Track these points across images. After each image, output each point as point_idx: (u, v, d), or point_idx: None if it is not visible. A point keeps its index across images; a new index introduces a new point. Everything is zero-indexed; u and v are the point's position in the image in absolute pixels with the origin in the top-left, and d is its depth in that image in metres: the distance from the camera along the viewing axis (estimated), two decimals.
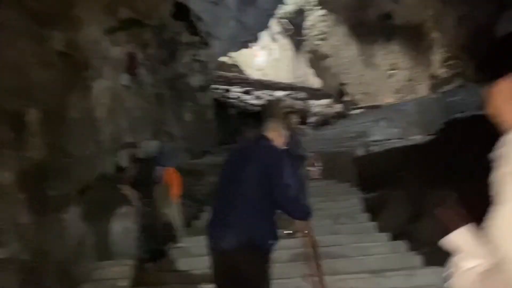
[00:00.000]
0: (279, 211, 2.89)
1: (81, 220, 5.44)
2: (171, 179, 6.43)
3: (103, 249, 5.62)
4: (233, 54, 20.60)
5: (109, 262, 5.17)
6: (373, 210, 6.49)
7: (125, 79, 7.62)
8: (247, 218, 2.74)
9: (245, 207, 2.75)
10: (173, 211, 6.50)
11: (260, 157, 2.87)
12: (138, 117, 7.95)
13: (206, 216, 7.73)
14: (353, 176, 8.21)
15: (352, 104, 17.37)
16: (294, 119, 6.35)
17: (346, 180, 7.92)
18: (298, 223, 3.36)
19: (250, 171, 2.80)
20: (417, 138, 10.94)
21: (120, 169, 6.64)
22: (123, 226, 6.26)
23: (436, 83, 18.83)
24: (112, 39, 5.91)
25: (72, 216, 5.25)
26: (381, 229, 5.72)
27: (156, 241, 6.90)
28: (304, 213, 3.02)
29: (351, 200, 6.63)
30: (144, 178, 7.37)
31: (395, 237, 5.47)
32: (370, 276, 4.39)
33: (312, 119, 16.09)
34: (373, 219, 6.14)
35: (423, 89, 19.34)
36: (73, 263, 5.11)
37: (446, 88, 17.99)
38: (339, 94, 16.75)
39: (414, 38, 19.30)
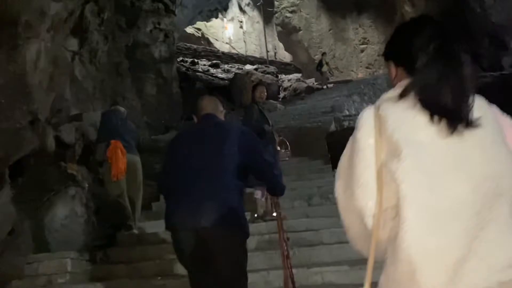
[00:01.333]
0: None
1: (12, 204, 4.60)
2: (112, 155, 5.32)
3: (40, 239, 4.80)
4: (200, 26, 19.55)
5: (47, 254, 4.34)
6: None
7: (72, 43, 6.66)
8: (226, 194, 2.49)
9: (222, 182, 2.50)
10: (120, 190, 5.50)
11: (229, 134, 2.66)
12: (88, 88, 7.03)
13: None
14: (325, 153, 7.57)
15: (330, 75, 16.71)
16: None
17: (318, 157, 7.27)
18: (268, 204, 3.16)
19: (221, 149, 2.58)
20: None
21: (64, 145, 5.76)
22: (68, 211, 5.44)
23: None
24: None
25: (0, 200, 4.40)
26: None
27: (108, 226, 6.14)
28: (283, 189, 2.87)
29: (325, 179, 5.98)
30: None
31: None
32: (350, 268, 3.75)
33: (282, 94, 15.37)
34: None
35: None
36: (1, 256, 4.29)
37: None
38: (318, 64, 16.04)
39: (385, 12, 18.78)
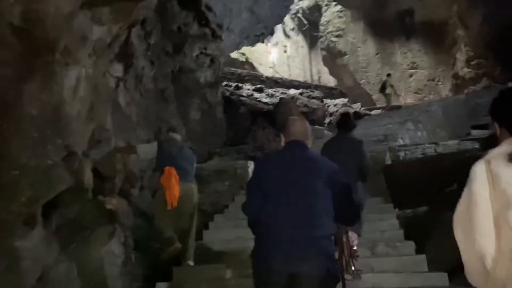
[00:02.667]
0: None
1: (43, 246, 4.07)
2: (165, 182, 4.94)
3: (72, 285, 4.23)
4: (244, 50, 19.20)
5: None
6: (416, 235, 5.03)
7: (116, 69, 6.22)
8: (325, 241, 2.45)
9: (321, 227, 2.43)
10: (170, 222, 5.05)
11: (321, 169, 2.55)
12: (131, 115, 6.55)
13: (213, 228, 6.50)
14: (383, 189, 6.76)
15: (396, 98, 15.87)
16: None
17: (376, 193, 6.45)
18: None
19: (311, 184, 2.48)
20: (450, 143, 9.50)
21: (103, 178, 5.24)
22: (104, 251, 4.88)
23: (460, 83, 17.32)
24: (94, 16, 4.51)
25: (30, 243, 3.88)
26: (433, 264, 4.28)
27: (147, 266, 5.55)
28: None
29: (388, 221, 5.19)
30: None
31: (451, 276, 4.04)
32: None
33: (328, 119, 14.62)
34: (418, 249, 4.69)
35: (445, 89, 17.81)
36: None
37: (471, 89, 16.48)
38: (382, 86, 15.29)
39: (435, 36, 17.79)
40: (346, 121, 4.91)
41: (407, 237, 5.09)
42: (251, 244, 5.30)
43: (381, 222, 5.33)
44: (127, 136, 5.83)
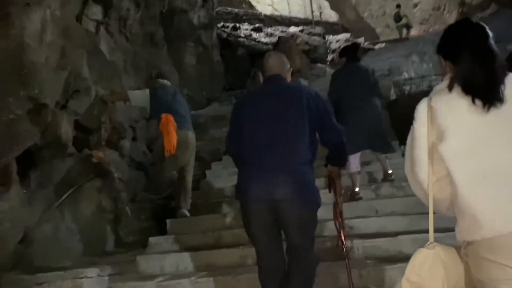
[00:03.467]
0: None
1: (23, 207, 3.76)
2: (163, 129, 4.65)
3: (59, 245, 3.96)
4: None
5: (59, 274, 3.44)
6: None
7: (95, 11, 5.67)
8: (302, 167, 2.47)
9: (297, 153, 2.47)
10: (176, 166, 4.77)
11: (300, 98, 2.53)
12: (117, 62, 6.05)
13: (211, 177, 6.17)
14: (388, 126, 6.30)
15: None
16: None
17: None
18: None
19: (291, 114, 2.50)
20: None
21: (87, 131, 4.86)
22: (94, 207, 4.59)
23: (466, 11, 16.33)
24: None
25: (7, 204, 3.56)
26: None
27: (145, 218, 5.28)
28: (345, 160, 2.85)
29: (394, 160, 4.80)
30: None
31: None
32: None
33: (330, 56, 13.92)
34: None
35: (451, 19, 16.82)
36: (10, 271, 3.48)
37: (478, 16, 15.56)
38: (395, 19, 14.48)
39: None
40: (356, 51, 4.92)
41: None
42: None
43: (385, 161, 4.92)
44: (112, 85, 5.36)
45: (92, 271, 3.46)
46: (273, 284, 2.51)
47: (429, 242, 1.51)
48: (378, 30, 18.04)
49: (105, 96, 4.98)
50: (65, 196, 4.19)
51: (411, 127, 1.54)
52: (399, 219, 3.78)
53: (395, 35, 16.18)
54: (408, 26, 15.30)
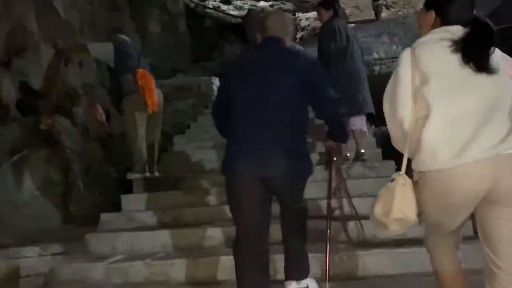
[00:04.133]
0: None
1: None
2: (144, 84, 4.12)
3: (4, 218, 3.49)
4: None
5: None
6: (395, 154, 4.42)
7: None
8: (295, 141, 2.28)
9: (290, 125, 2.25)
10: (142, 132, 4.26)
11: (296, 64, 2.32)
12: (72, 22, 5.45)
13: (172, 151, 5.73)
14: None
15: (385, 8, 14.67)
16: None
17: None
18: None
19: (285, 82, 2.26)
20: None
21: (36, 94, 4.32)
22: (40, 179, 4.11)
23: None
24: None
25: None
26: None
27: (99, 192, 4.84)
28: (348, 135, 2.66)
29: (365, 139, 4.54)
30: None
31: None
32: None
33: (300, 34, 13.55)
34: (399, 169, 4.08)
35: (420, 2, 16.77)
36: None
37: None
38: None
39: None
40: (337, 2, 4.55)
41: (386, 156, 4.51)
42: (214, 166, 4.65)
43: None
44: (65, 40, 4.78)
45: (31, 250, 3.04)
46: (252, 264, 2.27)
47: (400, 172, 1.69)
48: (347, 11, 17.76)
49: (60, 47, 4.41)
50: (5, 164, 3.69)
51: (394, 72, 1.70)
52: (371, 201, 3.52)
53: (364, 16, 15.96)
54: (387, 5, 15.05)
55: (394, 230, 1.71)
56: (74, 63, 4.68)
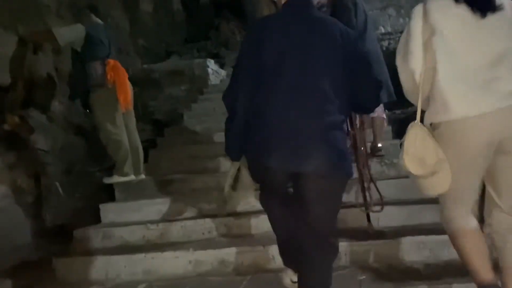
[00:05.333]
0: None
1: None
2: (115, 77, 3.53)
3: None
4: None
5: None
6: None
7: None
8: (334, 131, 1.81)
9: (330, 113, 1.79)
10: (120, 129, 3.68)
11: (340, 38, 1.86)
12: (43, 2, 4.69)
13: (161, 147, 5.06)
14: None
15: None
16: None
17: None
18: None
19: (328, 56, 1.82)
20: None
21: None
22: (4, 188, 3.45)
23: None
24: None
25: None
26: None
27: (81, 196, 4.20)
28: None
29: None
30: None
31: None
32: None
33: None
34: None
35: None
36: None
37: None
38: None
39: None
40: None
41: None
42: (209, 166, 4.00)
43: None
44: (31, 25, 4.04)
45: None
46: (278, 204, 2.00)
47: (416, 122, 1.68)
48: None
49: (24, 35, 3.70)
50: None
51: (407, 25, 1.75)
52: (393, 211, 2.87)
53: None
54: None
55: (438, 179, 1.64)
56: (45, 50, 3.96)
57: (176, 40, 9.38)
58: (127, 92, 3.52)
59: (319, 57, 1.81)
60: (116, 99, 3.46)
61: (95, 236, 3.10)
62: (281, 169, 1.81)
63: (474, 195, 1.71)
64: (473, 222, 1.69)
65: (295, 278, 2.07)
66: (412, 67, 1.67)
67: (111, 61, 3.49)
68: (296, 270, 2.05)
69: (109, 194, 4.04)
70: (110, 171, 4.31)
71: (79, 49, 3.48)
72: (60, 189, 4.11)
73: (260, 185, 2.04)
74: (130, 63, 6.45)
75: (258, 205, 2.98)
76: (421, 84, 1.65)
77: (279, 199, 1.98)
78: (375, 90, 1.97)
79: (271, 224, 2.11)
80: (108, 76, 3.42)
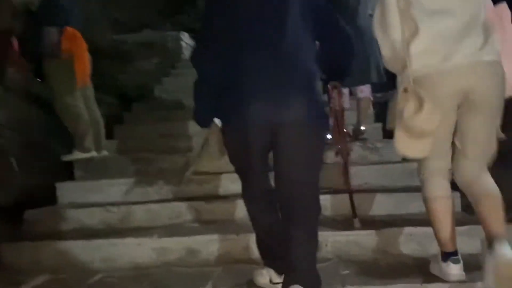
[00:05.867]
0: None
1: None
2: (74, 47, 3.17)
3: None
4: None
5: None
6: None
7: None
8: (310, 80, 1.78)
9: (302, 63, 1.76)
10: (79, 101, 3.30)
11: None
12: None
13: (128, 122, 4.70)
14: None
15: None
16: None
17: None
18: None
19: (293, 8, 1.76)
20: None
21: None
22: None
23: None
24: None
25: None
26: None
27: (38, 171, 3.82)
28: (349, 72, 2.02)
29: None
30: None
31: None
32: None
33: None
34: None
35: None
36: None
37: None
38: None
39: None
40: None
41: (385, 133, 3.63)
42: (181, 145, 3.71)
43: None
44: None
45: None
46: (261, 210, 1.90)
47: (409, 83, 1.76)
48: None
49: None
50: None
51: (380, 2, 1.84)
52: (374, 197, 2.66)
53: None
54: None
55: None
56: None
57: (150, 12, 8.90)
58: (85, 66, 3.16)
59: (287, 8, 1.75)
60: (73, 70, 3.10)
61: (48, 219, 2.76)
62: (261, 122, 1.70)
63: (446, 163, 1.86)
64: (447, 190, 1.86)
65: (277, 279, 1.83)
66: (394, 37, 1.78)
67: (70, 30, 3.11)
68: (279, 270, 1.83)
69: (69, 171, 3.69)
70: (71, 147, 3.95)
71: (33, 9, 3.08)
72: (15, 164, 3.73)
73: (236, 166, 1.89)
74: (99, 34, 6.00)
75: (231, 188, 2.77)
76: (401, 51, 1.76)
77: (260, 193, 1.87)
78: (347, 45, 1.85)
79: (251, 221, 1.93)
80: (63, 46, 3.06)
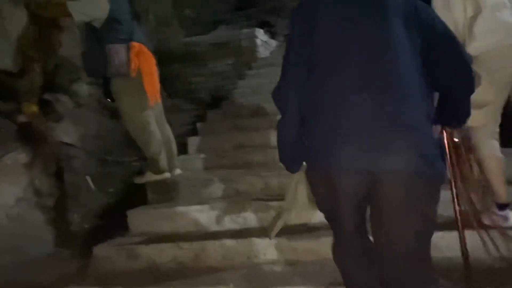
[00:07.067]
0: None
1: None
2: (142, 64, 2.86)
3: None
4: None
5: None
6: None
7: None
8: (415, 113, 1.33)
9: (412, 96, 1.34)
10: (151, 119, 3.06)
11: (412, 10, 1.41)
12: None
13: (204, 133, 4.39)
14: None
15: None
16: None
17: None
18: None
19: (400, 33, 1.37)
20: None
21: (9, 74, 3.09)
22: (20, 191, 2.93)
23: None
24: None
25: None
26: None
27: (111, 193, 3.65)
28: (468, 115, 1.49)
29: None
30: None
31: None
32: None
33: None
34: None
35: None
36: None
37: None
38: None
39: None
40: None
41: None
42: (255, 158, 3.29)
43: None
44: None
45: None
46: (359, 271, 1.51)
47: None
48: None
49: (35, 10, 3.10)
50: None
51: None
52: None
53: None
54: None
55: None
56: (61, 27, 3.34)
57: (225, 8, 8.61)
58: (154, 84, 2.86)
59: (392, 32, 1.36)
60: (143, 88, 2.82)
61: (117, 256, 2.49)
62: (353, 170, 1.33)
63: (495, 125, 2.09)
64: (499, 149, 2.08)
65: None
66: (456, 16, 1.92)
67: (136, 45, 2.80)
68: None
69: (142, 193, 3.46)
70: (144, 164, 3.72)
71: (98, 25, 2.80)
72: (91, 183, 3.60)
73: (326, 215, 1.51)
74: (170, 36, 5.80)
75: (316, 220, 2.31)
76: (464, 30, 1.92)
77: (354, 251, 1.49)
78: (468, 76, 1.39)
79: (343, 278, 1.53)
80: (133, 65, 2.76)
